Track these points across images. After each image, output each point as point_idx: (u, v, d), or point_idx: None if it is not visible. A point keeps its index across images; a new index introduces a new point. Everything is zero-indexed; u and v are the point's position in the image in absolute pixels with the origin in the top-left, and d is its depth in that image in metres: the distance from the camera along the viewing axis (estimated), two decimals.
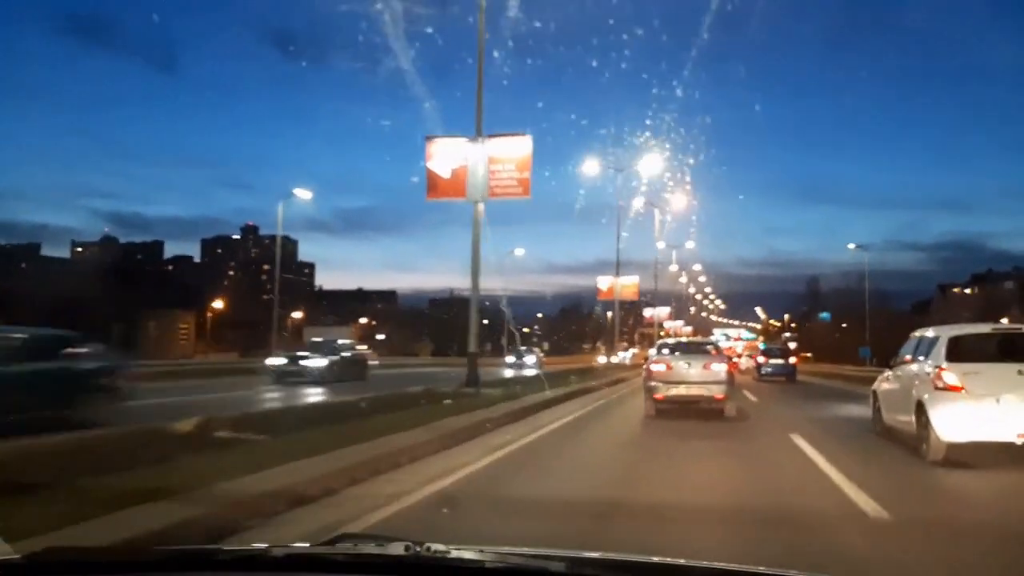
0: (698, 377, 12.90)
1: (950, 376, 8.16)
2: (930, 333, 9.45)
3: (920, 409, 8.50)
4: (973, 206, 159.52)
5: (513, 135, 17.21)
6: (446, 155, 17.02)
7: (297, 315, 69.17)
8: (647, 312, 62.96)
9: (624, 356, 53.62)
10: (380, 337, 77.20)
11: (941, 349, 8.55)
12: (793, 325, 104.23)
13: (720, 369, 12.95)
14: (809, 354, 67.13)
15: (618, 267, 38.09)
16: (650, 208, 40.84)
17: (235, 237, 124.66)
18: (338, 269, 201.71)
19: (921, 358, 9.16)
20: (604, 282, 42.57)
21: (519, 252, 55.69)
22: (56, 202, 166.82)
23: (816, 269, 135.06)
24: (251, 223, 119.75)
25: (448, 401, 12.72)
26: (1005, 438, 7.86)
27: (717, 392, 12.73)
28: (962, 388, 8.04)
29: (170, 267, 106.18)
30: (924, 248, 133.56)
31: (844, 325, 64.66)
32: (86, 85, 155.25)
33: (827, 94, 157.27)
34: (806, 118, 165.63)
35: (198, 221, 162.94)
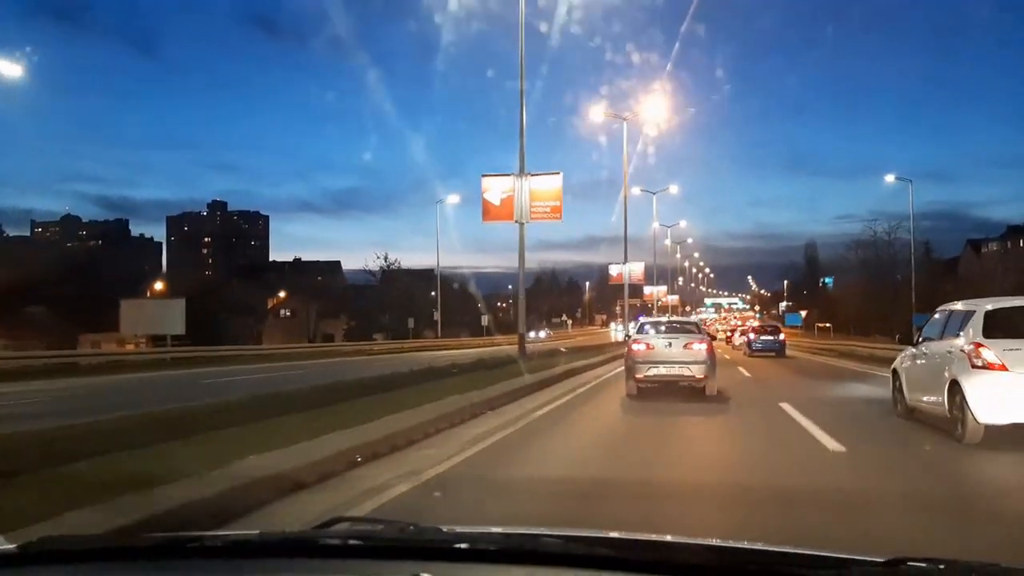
0: (679, 357, 14.24)
1: (989, 353, 8.59)
2: (962, 307, 9.91)
3: (954, 389, 8.98)
4: (957, 175, 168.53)
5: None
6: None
7: (159, 287, 64.44)
8: (613, 269, 52.47)
9: (537, 336, 40.55)
10: (286, 313, 74.84)
11: (978, 324, 8.98)
12: (785, 294, 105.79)
13: (701, 348, 14.37)
14: (828, 324, 66.00)
15: (523, 146, 22.99)
16: (617, 119, 38.02)
17: (203, 214, 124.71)
18: (323, 248, 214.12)
19: (952, 334, 9.57)
20: (495, 188, 23.99)
21: (452, 199, 55.56)
22: (44, 186, 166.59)
23: (803, 240, 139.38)
24: (218, 199, 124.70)
25: None
26: None
27: (698, 372, 14.17)
28: (1003, 366, 8.42)
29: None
30: (909, 217, 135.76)
31: (871, 291, 62.80)
32: (73, 70, 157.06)
33: (810, 65, 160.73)
34: (789, 90, 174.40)
35: (184, 203, 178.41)
